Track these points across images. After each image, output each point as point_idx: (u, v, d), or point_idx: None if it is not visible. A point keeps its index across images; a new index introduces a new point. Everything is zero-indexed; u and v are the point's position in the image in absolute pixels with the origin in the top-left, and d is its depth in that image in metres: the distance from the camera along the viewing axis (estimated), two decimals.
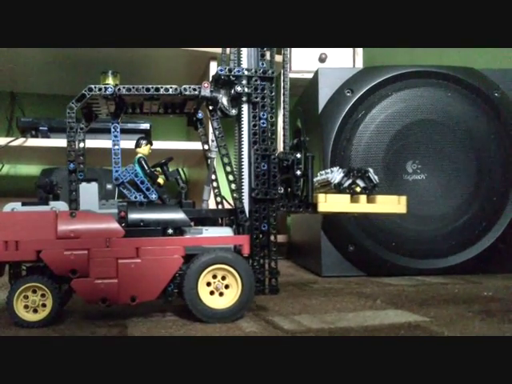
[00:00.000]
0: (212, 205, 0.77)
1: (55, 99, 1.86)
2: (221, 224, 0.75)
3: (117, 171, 0.71)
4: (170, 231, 0.68)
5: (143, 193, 0.70)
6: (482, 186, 1.13)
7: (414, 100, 1.12)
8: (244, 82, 0.71)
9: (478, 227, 1.14)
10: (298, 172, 0.74)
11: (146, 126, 1.49)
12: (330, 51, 1.64)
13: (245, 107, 0.73)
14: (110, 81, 0.69)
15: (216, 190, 0.79)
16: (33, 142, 1.41)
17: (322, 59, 1.63)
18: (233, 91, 0.71)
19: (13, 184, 1.87)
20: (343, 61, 1.64)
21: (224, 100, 0.72)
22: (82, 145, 0.72)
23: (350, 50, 1.65)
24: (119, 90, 0.67)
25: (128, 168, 0.71)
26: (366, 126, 1.10)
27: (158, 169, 0.74)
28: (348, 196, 0.75)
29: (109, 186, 1.39)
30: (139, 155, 0.72)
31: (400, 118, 1.11)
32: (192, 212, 0.71)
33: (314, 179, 0.77)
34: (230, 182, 0.71)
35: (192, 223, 0.70)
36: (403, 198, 0.77)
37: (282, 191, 0.75)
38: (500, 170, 1.14)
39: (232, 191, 0.71)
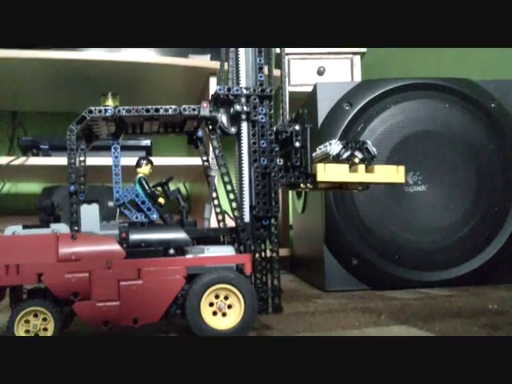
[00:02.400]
0: (213, 222, 0.77)
1: (56, 117, 1.87)
2: (222, 242, 0.75)
3: (117, 192, 0.71)
4: (172, 251, 0.68)
5: (144, 213, 0.70)
6: (483, 196, 1.13)
7: (413, 112, 1.12)
8: (243, 100, 0.72)
9: (481, 237, 1.14)
10: (297, 143, 0.74)
11: (146, 142, 1.49)
12: (328, 64, 1.65)
13: (244, 125, 0.73)
14: (110, 102, 0.69)
15: (217, 208, 0.79)
16: (34, 160, 1.42)
17: (320, 72, 1.64)
18: (232, 110, 0.71)
19: (14, 202, 1.87)
20: (341, 73, 1.65)
21: (223, 119, 0.72)
22: (82, 165, 0.73)
23: (348, 62, 1.66)
24: (119, 111, 0.67)
25: (129, 188, 0.70)
26: (366, 139, 1.10)
27: (159, 188, 0.74)
28: (346, 166, 0.75)
29: (110, 204, 1.39)
30: (140, 175, 0.72)
31: (399, 129, 1.11)
32: (193, 231, 0.71)
33: (313, 154, 0.77)
34: (230, 201, 0.71)
35: (194, 242, 0.70)
36: (401, 168, 0.78)
37: (282, 163, 0.75)
38: (500, 180, 1.14)
39: (233, 210, 0.71)
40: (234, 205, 0.71)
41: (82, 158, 0.73)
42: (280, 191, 1.72)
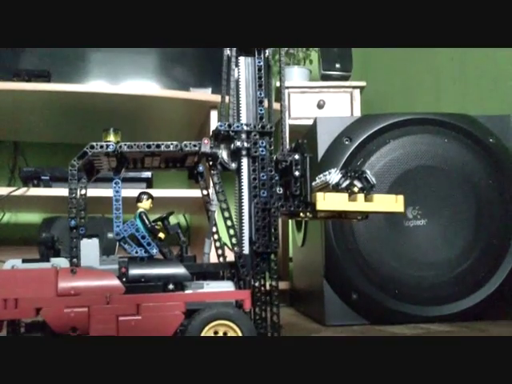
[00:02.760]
0: (213, 257, 0.77)
1: (58, 147, 1.88)
2: (222, 277, 0.75)
3: (118, 226, 0.71)
4: (171, 287, 0.68)
5: (144, 248, 0.70)
6: (483, 230, 1.13)
7: (412, 146, 1.13)
8: (243, 136, 0.73)
9: (481, 272, 1.13)
10: (297, 173, 0.74)
11: (147, 174, 1.50)
12: (328, 97, 1.68)
13: (244, 161, 0.74)
14: (112, 138, 0.70)
15: (217, 243, 0.79)
16: (34, 191, 1.43)
17: (320, 105, 1.66)
18: (232, 146, 0.72)
19: (14, 232, 1.87)
20: (341, 107, 1.67)
21: (224, 154, 0.73)
22: (83, 198, 0.73)
23: (348, 96, 1.68)
24: (120, 147, 0.68)
25: (129, 223, 0.71)
26: None
27: (159, 223, 0.74)
28: (346, 195, 0.76)
29: (110, 235, 1.39)
30: (140, 210, 0.73)
31: (398, 164, 1.12)
32: (193, 266, 0.71)
33: (313, 183, 0.77)
34: (230, 236, 0.71)
35: (193, 277, 0.70)
36: (400, 197, 0.78)
37: (281, 192, 0.75)
38: (499, 214, 1.14)
39: (233, 245, 0.71)
40: (233, 240, 0.71)
41: (82, 192, 0.73)
42: (280, 223, 1.72)
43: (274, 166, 0.74)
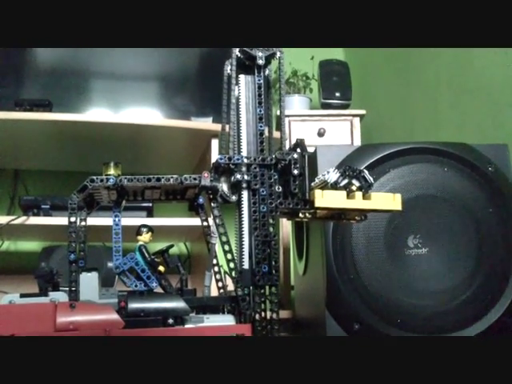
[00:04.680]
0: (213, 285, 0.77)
1: (59, 175, 1.88)
2: (223, 310, 0.74)
3: (117, 259, 0.70)
4: (171, 321, 0.67)
5: (144, 281, 0.70)
6: (484, 258, 1.13)
7: (412, 176, 1.13)
8: (244, 169, 0.73)
9: (484, 301, 1.12)
10: (296, 171, 0.74)
11: (148, 203, 1.50)
12: (328, 125, 1.69)
13: (245, 193, 0.74)
14: (112, 171, 0.70)
15: (217, 275, 0.78)
16: (34, 220, 1.42)
17: (320, 134, 1.67)
18: (233, 178, 0.72)
19: (12, 260, 1.86)
20: (342, 135, 1.68)
21: (224, 187, 0.73)
22: (83, 230, 0.73)
23: (348, 124, 1.69)
24: (121, 180, 0.68)
25: (128, 256, 0.70)
26: None
27: (159, 256, 0.74)
28: (344, 192, 0.76)
29: (110, 265, 1.38)
30: (140, 243, 0.72)
31: (399, 193, 1.12)
32: (193, 300, 0.71)
33: (312, 184, 0.77)
34: (230, 270, 0.71)
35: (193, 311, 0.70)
36: (398, 196, 0.78)
37: (280, 190, 0.75)
38: (501, 241, 1.13)
39: (233, 278, 0.71)
40: (234, 273, 0.70)
41: (82, 224, 0.73)
42: (281, 252, 1.72)
43: (274, 165, 0.75)
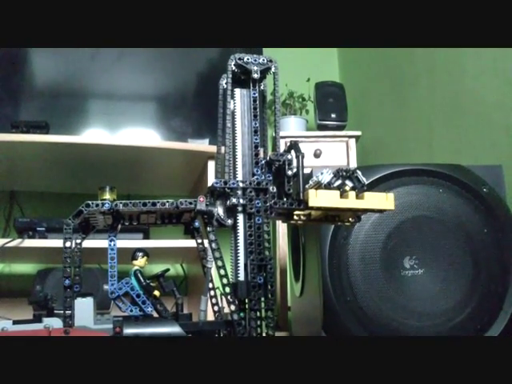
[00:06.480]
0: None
1: (55, 197, 1.88)
2: (218, 334, 0.74)
3: (112, 284, 0.70)
4: None
5: (139, 306, 0.70)
6: (480, 279, 1.12)
7: (407, 197, 1.14)
8: (239, 193, 0.73)
9: (481, 321, 1.12)
10: (290, 172, 0.75)
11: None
12: (324, 146, 1.70)
13: (240, 217, 0.74)
14: (108, 196, 0.71)
15: (213, 299, 0.78)
16: (29, 242, 1.41)
17: (316, 155, 1.68)
18: (228, 202, 0.72)
19: (7, 283, 1.84)
20: (338, 155, 1.69)
21: (220, 211, 0.73)
22: (78, 254, 0.72)
23: (344, 145, 1.71)
24: (116, 205, 0.68)
25: (124, 281, 0.70)
26: (362, 225, 1.10)
27: (155, 280, 0.74)
28: (337, 192, 0.76)
29: (106, 287, 1.37)
30: (135, 268, 0.72)
31: (394, 215, 1.12)
32: (188, 325, 0.70)
33: (306, 186, 0.77)
34: (226, 294, 0.70)
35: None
36: (391, 195, 0.78)
37: (275, 190, 0.75)
38: (496, 262, 1.13)
39: (229, 303, 0.70)
40: (229, 298, 0.70)
41: (78, 247, 0.73)
42: (278, 272, 1.71)
43: (268, 165, 0.76)
